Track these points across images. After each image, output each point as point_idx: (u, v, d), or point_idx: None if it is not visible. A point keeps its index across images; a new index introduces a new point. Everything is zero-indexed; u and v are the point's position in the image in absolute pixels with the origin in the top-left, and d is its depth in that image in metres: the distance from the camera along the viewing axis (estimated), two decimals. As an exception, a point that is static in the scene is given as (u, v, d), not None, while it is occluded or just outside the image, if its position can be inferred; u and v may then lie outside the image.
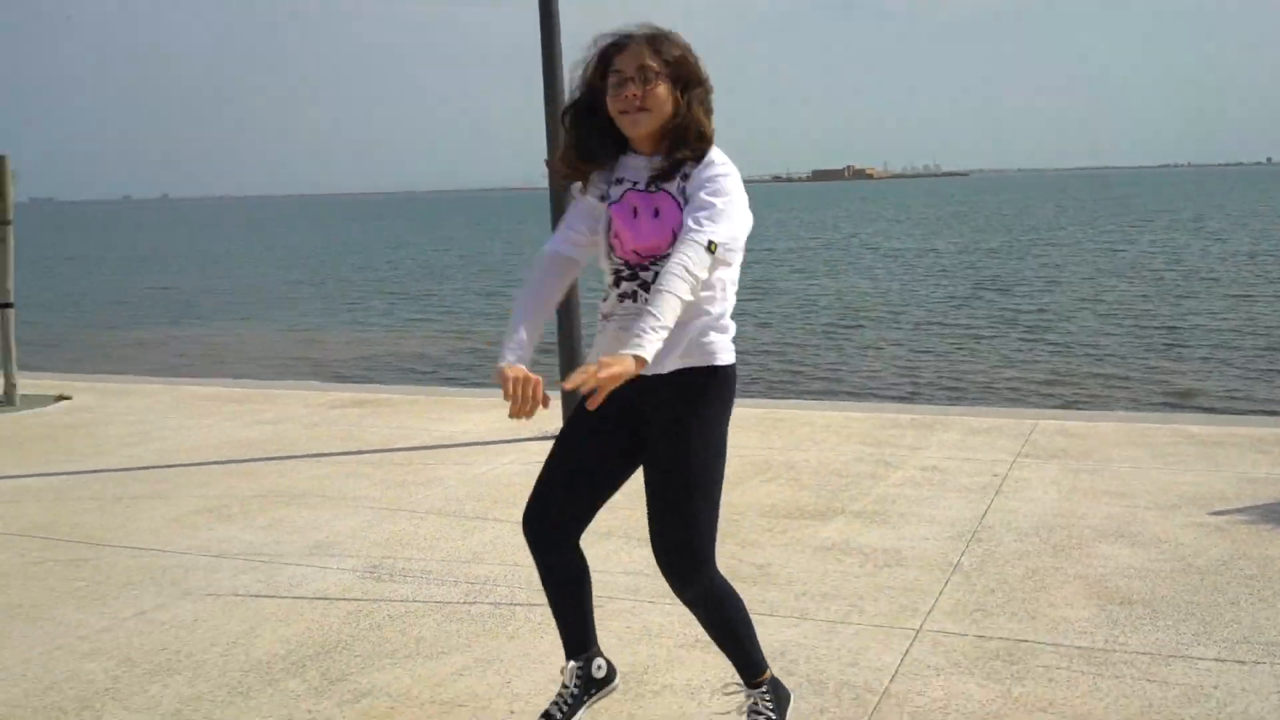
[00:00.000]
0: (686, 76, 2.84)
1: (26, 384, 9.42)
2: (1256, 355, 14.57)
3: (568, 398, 7.26)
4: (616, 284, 2.94)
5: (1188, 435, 6.85)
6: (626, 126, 2.84)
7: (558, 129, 6.82)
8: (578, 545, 3.04)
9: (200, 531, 5.38)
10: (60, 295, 28.69)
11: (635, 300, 2.89)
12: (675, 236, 2.78)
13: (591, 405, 2.60)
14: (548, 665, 3.72)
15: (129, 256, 50.83)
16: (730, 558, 4.78)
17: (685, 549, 2.86)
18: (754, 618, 3.10)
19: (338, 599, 4.43)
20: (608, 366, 2.52)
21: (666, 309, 2.61)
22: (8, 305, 9.16)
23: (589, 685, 3.20)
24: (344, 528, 5.39)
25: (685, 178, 2.83)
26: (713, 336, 2.88)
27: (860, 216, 73.37)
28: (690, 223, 2.72)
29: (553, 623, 3.16)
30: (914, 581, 4.48)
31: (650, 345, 2.58)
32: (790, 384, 13.34)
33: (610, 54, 2.84)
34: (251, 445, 7.33)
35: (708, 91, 2.89)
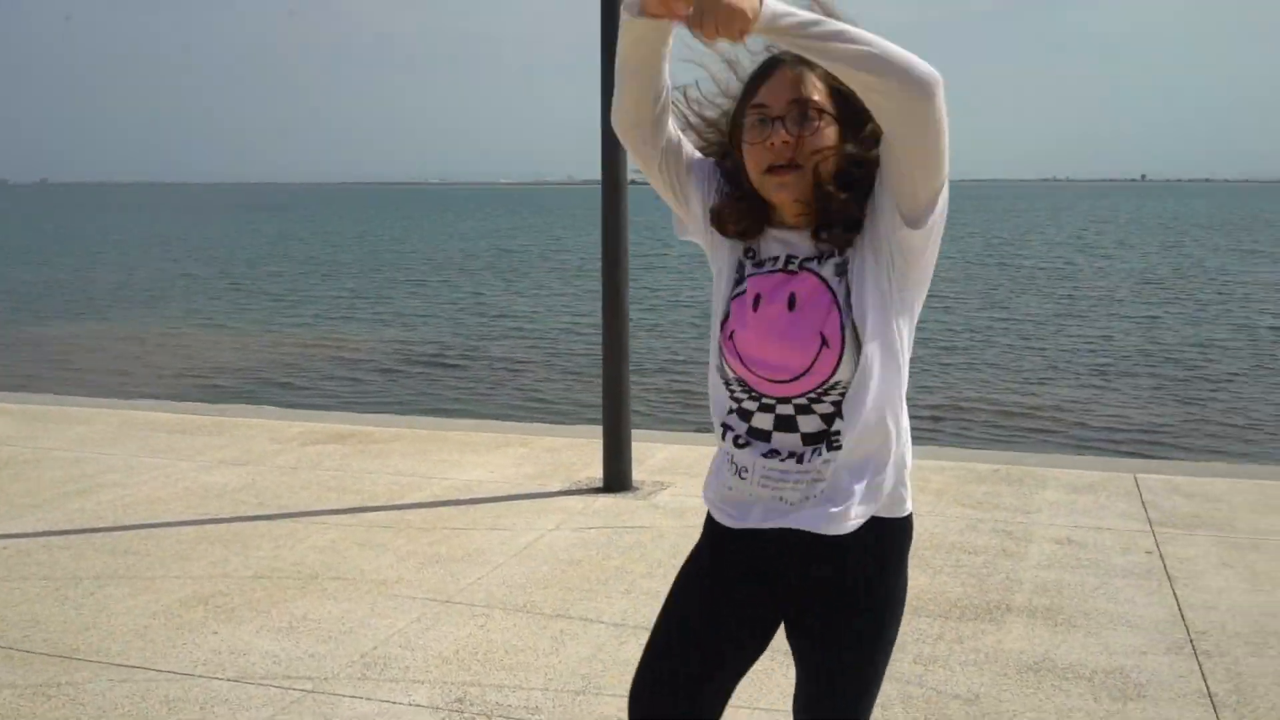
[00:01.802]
0: (854, 110, 1.90)
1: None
2: None
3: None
4: (746, 422, 2.00)
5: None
6: (770, 189, 1.92)
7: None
8: None
9: (203, 636, 4.13)
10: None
11: (789, 462, 1.95)
12: (823, 351, 1.89)
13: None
14: None
15: (36, 244, 47.92)
16: (918, 684, 3.71)
17: None
18: None
19: (429, 758, 3.25)
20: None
21: (840, 25, 1.77)
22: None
23: None
24: (391, 630, 4.18)
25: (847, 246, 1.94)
26: (906, 476, 2.03)
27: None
28: None
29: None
30: (1179, 726, 3.47)
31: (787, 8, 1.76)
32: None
33: (755, 82, 1.95)
34: (224, 496, 6.04)
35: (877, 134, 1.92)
